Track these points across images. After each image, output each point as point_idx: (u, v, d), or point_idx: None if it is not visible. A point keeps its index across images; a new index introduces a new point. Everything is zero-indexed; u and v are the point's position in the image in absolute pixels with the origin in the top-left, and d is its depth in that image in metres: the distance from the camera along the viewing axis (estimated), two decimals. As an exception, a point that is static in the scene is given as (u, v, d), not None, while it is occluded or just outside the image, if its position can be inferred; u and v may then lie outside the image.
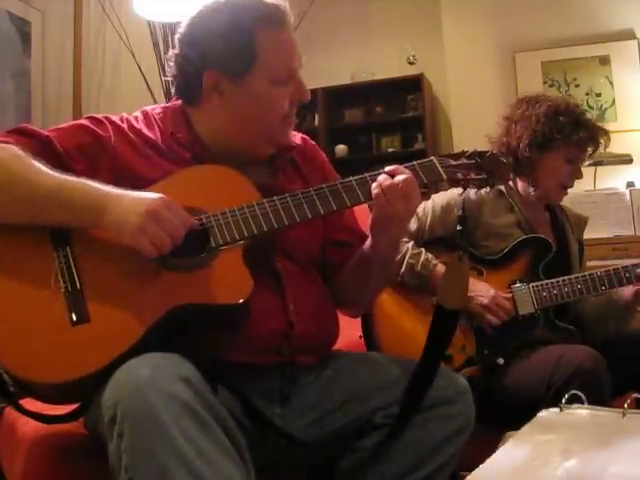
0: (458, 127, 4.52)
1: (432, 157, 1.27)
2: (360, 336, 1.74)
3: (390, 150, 4.93)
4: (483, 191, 1.27)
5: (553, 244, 1.89)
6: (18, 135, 1.18)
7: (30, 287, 1.06)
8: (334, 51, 4.79)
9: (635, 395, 1.11)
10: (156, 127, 1.29)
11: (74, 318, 1.04)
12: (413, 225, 1.85)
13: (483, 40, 4.48)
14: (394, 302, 1.80)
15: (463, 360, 1.71)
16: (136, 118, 1.30)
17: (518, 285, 1.76)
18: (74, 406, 1.13)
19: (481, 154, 1.29)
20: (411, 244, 1.80)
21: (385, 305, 1.78)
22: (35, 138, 1.19)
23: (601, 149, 1.92)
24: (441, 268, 1.75)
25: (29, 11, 3.02)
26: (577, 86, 4.34)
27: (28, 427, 1.31)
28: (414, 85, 4.78)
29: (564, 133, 1.84)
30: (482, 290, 1.73)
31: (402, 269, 1.75)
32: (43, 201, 1.09)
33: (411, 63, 4.80)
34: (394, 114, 4.96)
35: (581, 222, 2.05)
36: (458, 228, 1.26)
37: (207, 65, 1.24)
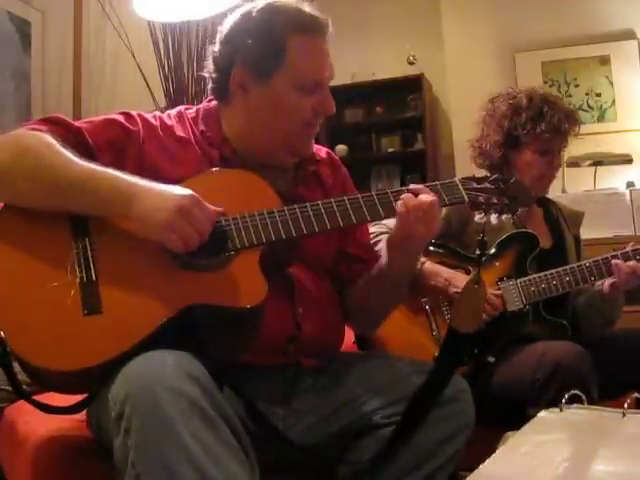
0: (458, 127, 4.52)
1: (455, 178, 1.28)
2: (354, 342, 1.74)
3: (390, 150, 4.93)
4: (504, 217, 1.27)
5: (548, 239, 1.89)
6: (50, 124, 1.19)
7: (46, 275, 1.07)
8: (334, 51, 4.78)
9: (635, 395, 1.11)
10: (188, 126, 1.30)
11: (86, 309, 1.04)
12: None
13: (483, 40, 4.48)
14: None
15: None
16: (169, 116, 1.32)
17: (506, 281, 1.76)
18: (79, 398, 1.13)
19: (505, 180, 1.29)
20: None
21: None
22: (66, 128, 1.19)
23: (572, 134, 1.92)
24: (429, 266, 1.76)
25: (29, 11, 3.02)
26: (577, 86, 4.34)
27: (29, 427, 1.31)
28: (414, 85, 4.78)
29: (527, 128, 1.86)
30: None
31: None
32: (70, 189, 1.09)
33: (411, 63, 4.80)
34: (394, 114, 4.96)
35: (577, 218, 2.04)
36: (477, 252, 1.26)
37: (236, 61, 1.26)
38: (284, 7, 1.26)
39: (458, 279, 1.71)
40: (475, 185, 1.27)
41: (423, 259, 1.77)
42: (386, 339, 1.73)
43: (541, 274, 1.75)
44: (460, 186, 1.26)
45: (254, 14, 1.27)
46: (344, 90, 4.86)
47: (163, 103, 3.00)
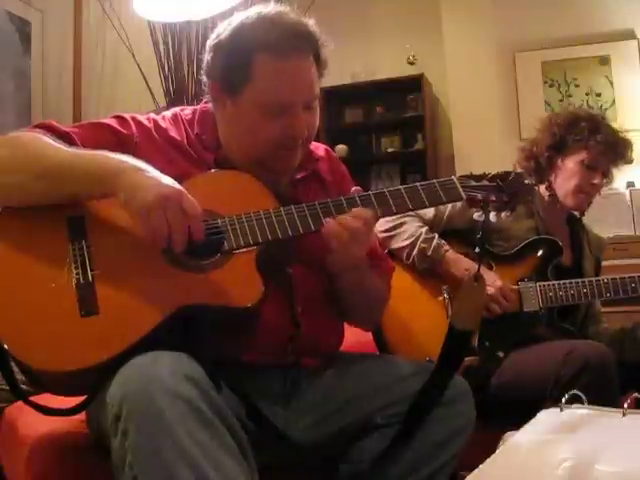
0: (458, 127, 4.52)
1: (453, 177, 1.27)
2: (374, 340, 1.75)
3: (390, 150, 4.93)
4: (503, 214, 1.27)
5: (569, 257, 1.92)
6: (40, 129, 1.20)
7: (43, 277, 1.07)
8: (334, 51, 4.77)
9: (635, 395, 1.11)
10: (182, 129, 1.30)
11: (83, 309, 1.05)
12: (430, 213, 1.86)
13: (483, 40, 4.48)
14: (401, 283, 1.81)
15: None
16: (164, 118, 1.31)
17: (525, 282, 1.79)
18: (78, 400, 1.13)
19: (503, 177, 1.28)
20: (425, 229, 1.81)
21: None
22: (56, 133, 1.20)
23: (621, 160, 1.95)
24: (451, 255, 1.78)
25: (29, 11, 3.02)
26: (577, 86, 4.34)
27: (29, 427, 1.31)
28: (414, 85, 4.78)
29: (582, 136, 1.90)
30: (489, 280, 1.74)
31: (414, 252, 1.79)
32: (59, 169, 1.10)
33: (411, 63, 4.80)
34: (394, 114, 4.96)
35: (600, 243, 2.08)
36: (476, 250, 1.27)
37: (210, 75, 1.27)
38: (256, 24, 1.22)
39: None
40: (473, 183, 1.27)
41: (446, 247, 1.80)
42: (403, 325, 1.75)
43: (560, 282, 1.79)
44: (458, 184, 1.25)
45: (229, 27, 1.25)
46: (344, 90, 4.86)
47: (163, 103, 3.00)
